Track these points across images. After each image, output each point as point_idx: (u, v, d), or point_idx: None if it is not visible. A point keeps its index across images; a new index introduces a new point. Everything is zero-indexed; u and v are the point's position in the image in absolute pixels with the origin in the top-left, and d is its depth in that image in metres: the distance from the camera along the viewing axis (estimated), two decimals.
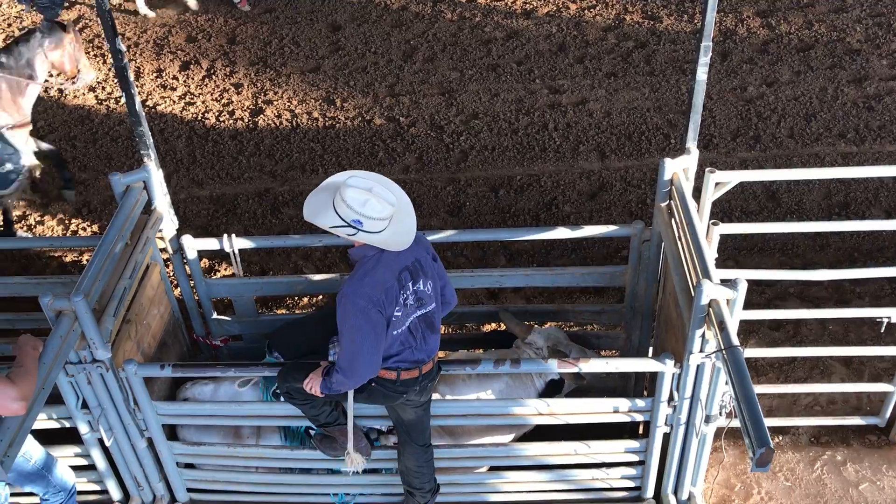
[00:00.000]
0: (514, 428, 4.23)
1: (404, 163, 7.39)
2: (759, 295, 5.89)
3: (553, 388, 4.20)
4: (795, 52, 8.19)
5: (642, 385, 4.90)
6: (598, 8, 9.02)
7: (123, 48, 3.86)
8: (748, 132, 7.39)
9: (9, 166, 6.11)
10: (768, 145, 7.26)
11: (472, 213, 6.91)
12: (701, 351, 3.56)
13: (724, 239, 4.37)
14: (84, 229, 6.86)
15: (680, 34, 8.51)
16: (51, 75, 6.69)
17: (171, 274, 4.79)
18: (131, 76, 3.95)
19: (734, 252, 6.28)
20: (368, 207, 3.26)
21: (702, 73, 3.83)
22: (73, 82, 6.73)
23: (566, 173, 7.18)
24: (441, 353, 4.92)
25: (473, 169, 7.30)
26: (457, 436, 4.25)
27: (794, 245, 6.35)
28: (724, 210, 6.59)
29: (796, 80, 7.87)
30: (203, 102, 8.07)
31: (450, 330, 5.54)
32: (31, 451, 3.90)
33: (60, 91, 7.57)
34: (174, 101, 8.08)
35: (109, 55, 8.76)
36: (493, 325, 5.74)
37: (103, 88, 8.34)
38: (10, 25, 9.39)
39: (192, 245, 4.44)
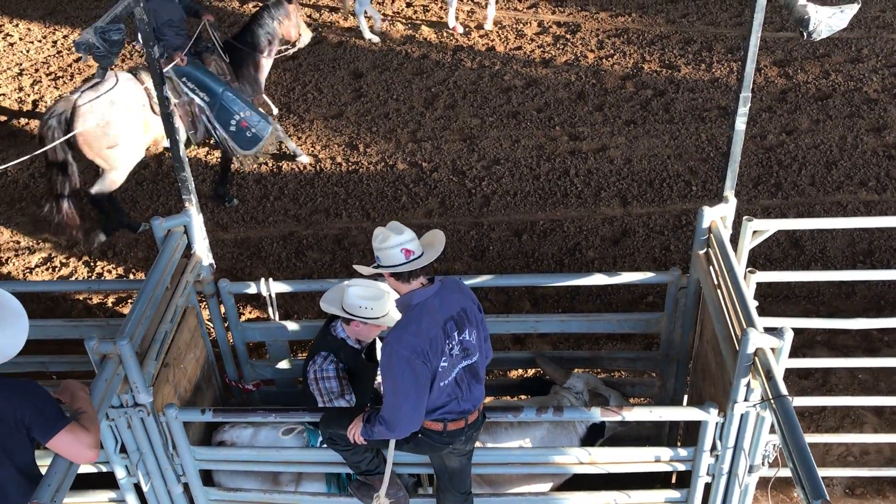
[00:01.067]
0: (555, 476, 4.20)
1: (427, 207, 7.44)
2: None
3: (595, 433, 4.17)
4: (813, 100, 8.29)
5: (676, 433, 4.86)
6: (615, 57, 9.16)
7: (170, 95, 3.92)
8: (769, 180, 7.45)
9: (253, 131, 6.94)
10: (790, 193, 7.31)
11: (495, 258, 6.94)
12: (745, 400, 3.54)
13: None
14: (109, 272, 6.88)
15: (698, 83, 8.62)
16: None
17: (206, 317, 4.80)
18: (177, 122, 4.01)
19: (759, 299, 6.24)
20: (379, 240, 3.43)
21: (740, 123, 3.88)
22: (294, 46, 7.57)
23: (588, 219, 7.22)
24: None
25: (496, 213, 7.35)
26: (496, 485, 4.21)
27: (819, 293, 6.36)
28: (747, 257, 6.60)
29: (815, 128, 7.95)
30: None
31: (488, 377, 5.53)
32: None
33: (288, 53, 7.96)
34: (198, 146, 8.16)
35: None
36: (520, 371, 5.73)
37: None
38: (69, 67, 9.53)
39: (230, 289, 4.46)
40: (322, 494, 4.13)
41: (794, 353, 5.86)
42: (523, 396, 5.06)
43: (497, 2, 10.07)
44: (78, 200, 6.77)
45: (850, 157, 7.58)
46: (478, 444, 3.93)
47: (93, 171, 7.01)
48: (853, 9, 3.11)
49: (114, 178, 6.80)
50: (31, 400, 3.12)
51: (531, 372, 5.67)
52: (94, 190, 6.84)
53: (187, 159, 4.17)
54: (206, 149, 8.13)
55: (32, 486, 3.31)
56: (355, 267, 3.64)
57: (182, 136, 6.70)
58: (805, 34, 3.18)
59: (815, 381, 5.72)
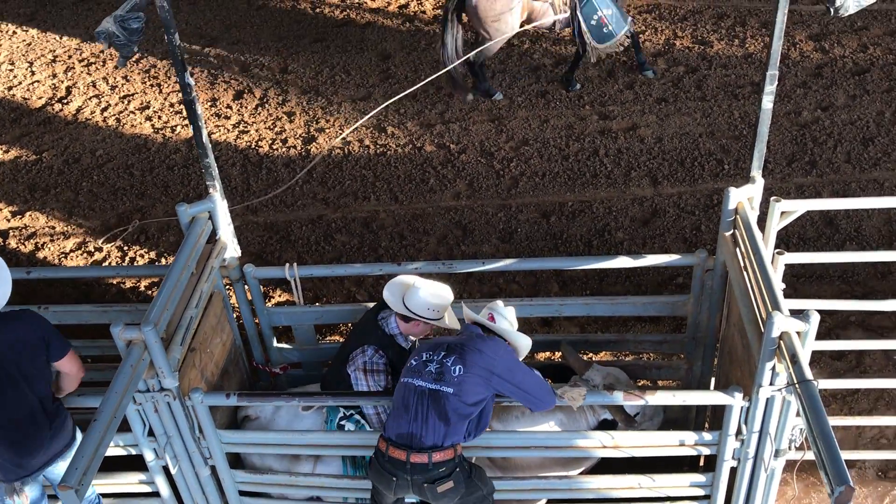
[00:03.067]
0: (570, 462, 4.17)
1: (455, 189, 7.42)
2: (819, 324, 5.77)
3: (606, 429, 4.13)
4: (850, 75, 8.08)
5: (703, 416, 4.82)
6: (647, 33, 9.00)
7: (192, 82, 3.94)
8: (804, 157, 7.29)
9: (610, 28, 7.62)
10: (825, 170, 7.15)
11: (523, 240, 6.90)
12: (771, 384, 3.49)
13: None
14: (142, 256, 6.98)
15: (731, 59, 8.45)
16: None
17: (233, 302, 4.85)
18: (199, 109, 4.03)
19: (792, 280, 6.17)
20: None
21: (767, 102, 3.79)
22: None
23: (618, 199, 7.14)
24: None
25: (524, 195, 7.30)
26: (508, 470, 4.20)
27: (854, 272, 6.23)
28: (780, 236, 6.45)
29: (852, 104, 7.76)
30: (256, 131, 8.20)
31: None
32: None
33: None
34: (228, 130, 8.23)
35: (165, 86, 8.97)
36: (547, 353, 5.70)
37: (159, 118, 8.53)
38: (101, 52, 9.66)
39: (255, 274, 4.50)
40: (345, 476, 4.17)
41: (828, 333, 5.82)
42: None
43: None
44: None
45: (888, 133, 7.38)
46: (487, 430, 3.92)
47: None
48: None
49: (491, 47, 7.89)
50: (46, 323, 3.64)
51: (558, 355, 5.64)
52: (473, 56, 7.76)
53: (210, 146, 4.20)
54: (236, 133, 8.19)
55: (50, 419, 3.70)
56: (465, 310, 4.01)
57: (549, 21, 7.76)
58: (832, 10, 3.09)
59: (849, 363, 5.62)
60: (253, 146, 8.02)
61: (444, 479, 3.59)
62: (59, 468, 3.87)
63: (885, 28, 8.58)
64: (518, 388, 3.65)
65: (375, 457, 3.70)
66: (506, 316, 3.92)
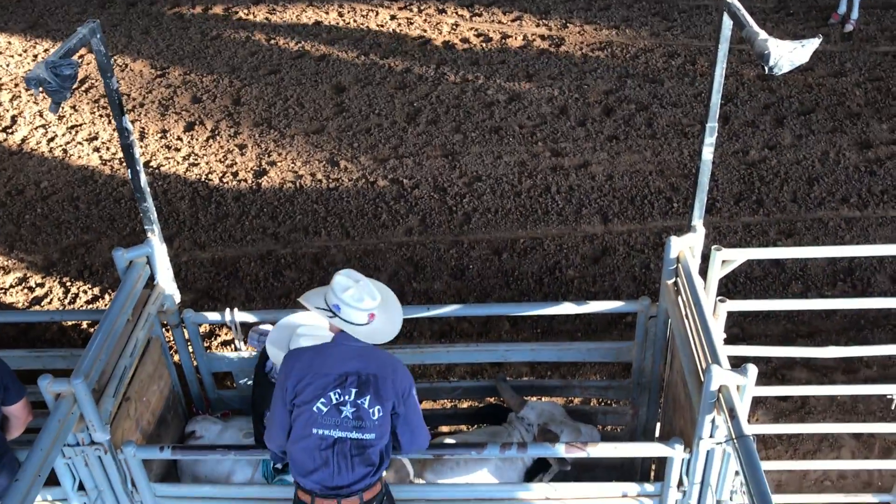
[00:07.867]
0: None
1: (407, 225, 7.38)
2: (765, 363, 5.83)
3: (540, 466, 4.11)
4: (797, 115, 8.25)
5: (650, 462, 4.81)
6: (599, 71, 9.11)
7: (130, 127, 3.86)
8: (751, 196, 7.40)
9: None
10: (771, 209, 7.26)
11: (475, 277, 6.88)
12: (711, 436, 3.49)
13: None
14: (85, 292, 6.81)
15: (682, 97, 8.57)
16: None
17: (172, 345, 4.74)
18: (137, 152, 3.95)
19: (739, 319, 6.24)
20: (348, 295, 3.36)
21: (707, 154, 3.82)
22: None
23: (569, 237, 7.16)
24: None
25: (476, 231, 7.29)
26: None
27: (799, 312, 6.31)
28: (728, 277, 6.53)
29: (798, 143, 7.91)
30: (207, 163, 8.10)
31: (448, 405, 5.46)
32: None
33: None
34: (178, 162, 8.11)
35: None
36: (492, 399, 5.65)
37: (108, 149, 8.38)
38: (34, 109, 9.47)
39: (194, 319, 4.40)
40: None
41: (774, 373, 5.88)
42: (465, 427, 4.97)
43: (480, 15, 10.08)
44: None
45: (832, 173, 7.53)
46: (420, 480, 3.86)
47: None
48: (814, 43, 3.05)
49: None
50: (6, 367, 3.65)
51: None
52: None
53: (149, 189, 4.11)
54: (186, 165, 8.07)
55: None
56: (303, 301, 3.50)
57: None
58: (766, 69, 3.12)
59: (794, 404, 5.68)
60: (203, 179, 7.92)
61: None
62: None
63: (829, 69, 8.79)
64: (407, 419, 3.45)
65: None
66: (381, 298, 3.42)
